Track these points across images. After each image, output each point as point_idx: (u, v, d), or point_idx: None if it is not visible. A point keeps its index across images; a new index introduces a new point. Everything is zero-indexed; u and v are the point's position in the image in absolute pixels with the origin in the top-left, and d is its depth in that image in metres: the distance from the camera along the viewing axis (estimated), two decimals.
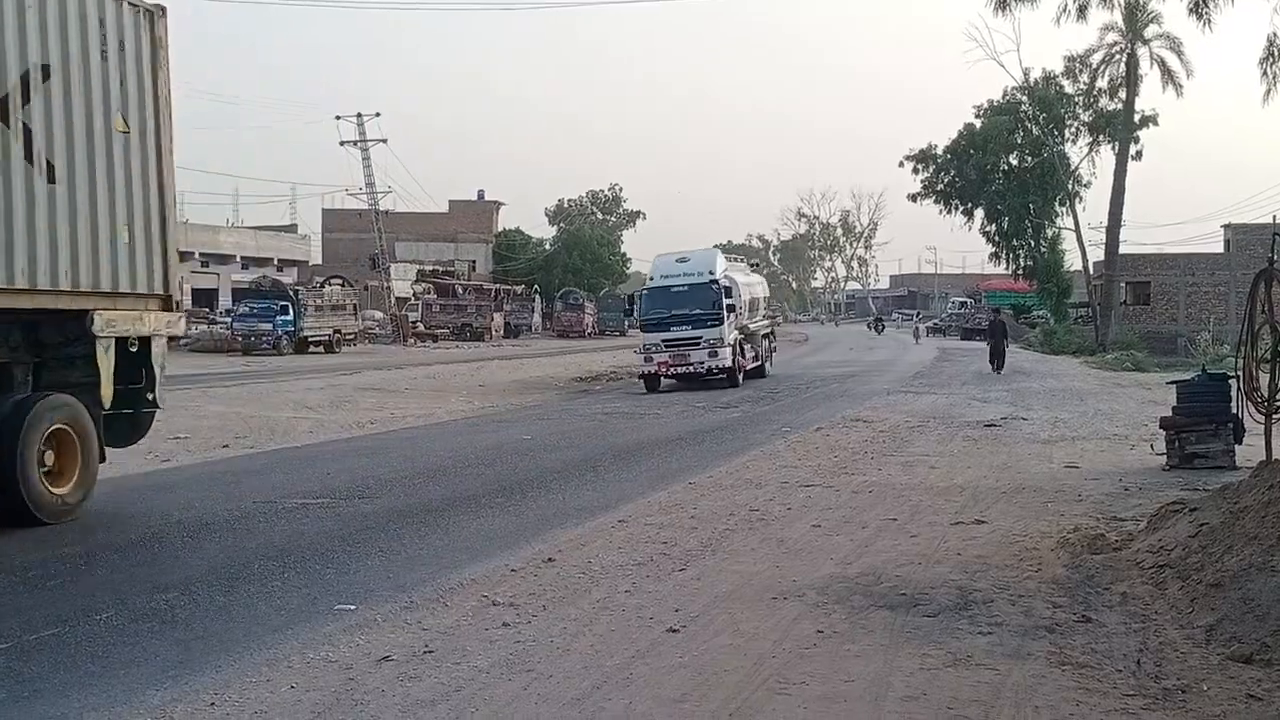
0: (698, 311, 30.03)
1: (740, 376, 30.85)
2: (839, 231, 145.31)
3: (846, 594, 8.41)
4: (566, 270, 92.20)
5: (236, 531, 11.29)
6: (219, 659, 7.10)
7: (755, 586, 8.75)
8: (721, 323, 29.89)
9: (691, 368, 29.89)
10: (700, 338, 29.88)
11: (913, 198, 64.66)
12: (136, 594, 8.76)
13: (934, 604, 8.06)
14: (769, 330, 37.51)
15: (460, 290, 74.50)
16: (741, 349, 31.48)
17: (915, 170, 63.76)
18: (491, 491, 13.66)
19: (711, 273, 30.96)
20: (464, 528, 11.47)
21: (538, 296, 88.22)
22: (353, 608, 8.27)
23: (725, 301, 30.10)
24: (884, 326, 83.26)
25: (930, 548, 10.05)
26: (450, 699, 6.31)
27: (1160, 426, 15.55)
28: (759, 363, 34.39)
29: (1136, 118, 54.83)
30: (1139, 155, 55.51)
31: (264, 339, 48.74)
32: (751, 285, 35.55)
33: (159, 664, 7.04)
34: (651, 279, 32.61)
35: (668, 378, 30.41)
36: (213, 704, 6.29)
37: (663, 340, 30.21)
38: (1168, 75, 53.12)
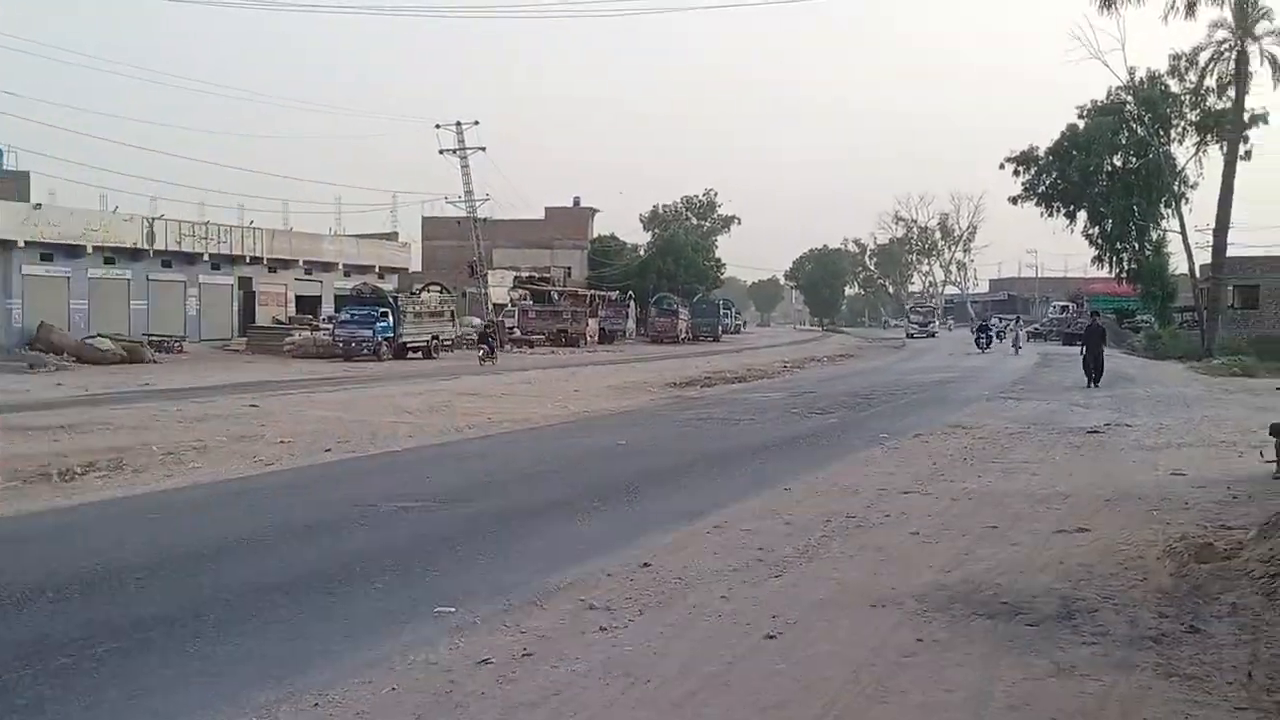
0: None
1: None
2: (937, 235, 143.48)
3: (947, 602, 8.31)
4: (661, 275, 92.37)
5: (338, 534, 11.48)
6: (322, 660, 7.22)
7: (853, 594, 8.68)
8: None
9: None
10: None
11: (1014, 200, 63.66)
12: (242, 594, 8.95)
13: (1037, 613, 7.94)
14: None
15: (556, 296, 74.96)
16: None
17: (1016, 172, 62.80)
18: (587, 496, 13.72)
19: None
20: (560, 532, 11.54)
21: (632, 302, 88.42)
22: (452, 610, 8.36)
23: None
24: (991, 339, 62.92)
25: (1032, 556, 9.88)
26: (549, 702, 6.35)
27: (1270, 433, 15.10)
28: None
29: (1246, 116, 53.35)
30: (1248, 155, 54.03)
31: (364, 345, 49.44)
32: None
33: (264, 664, 7.18)
34: None
35: None
36: (316, 704, 6.39)
37: None
38: (1279, 72, 51.75)
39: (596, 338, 73.62)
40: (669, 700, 6.33)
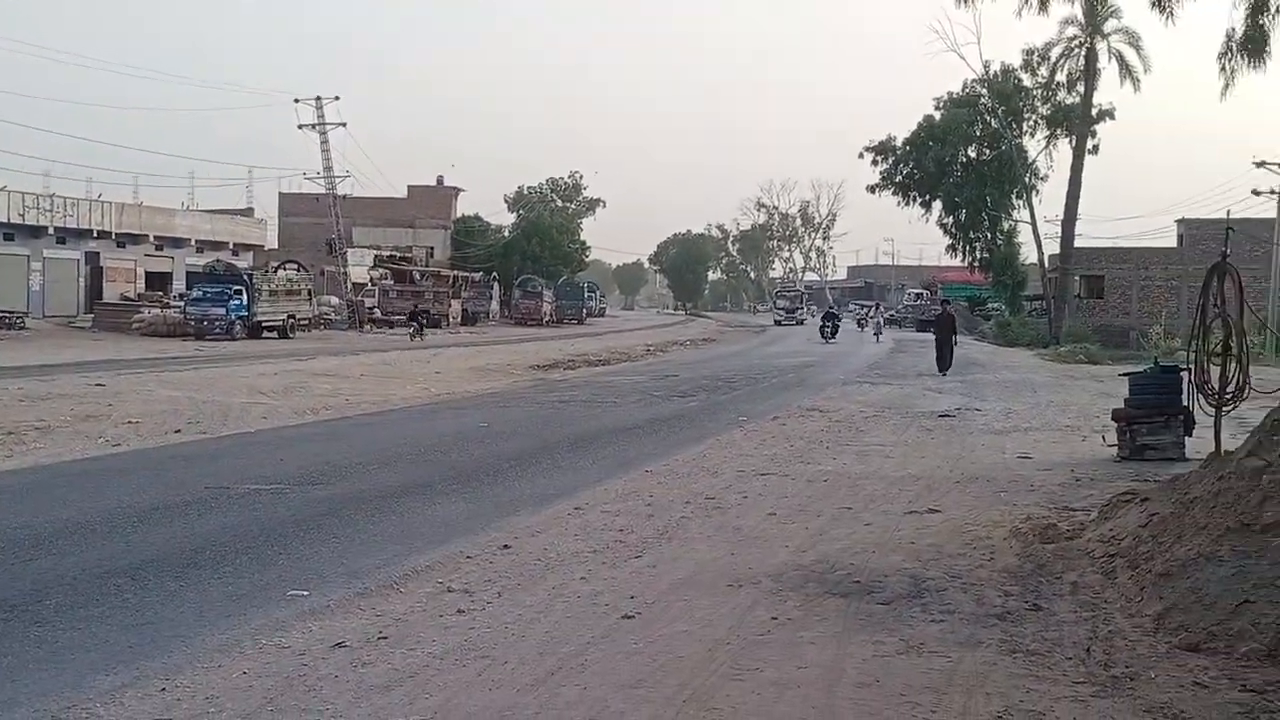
0: None
1: None
2: (798, 222, 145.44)
3: (801, 581, 8.45)
4: (525, 257, 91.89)
5: (188, 517, 11.18)
6: (170, 644, 7.03)
7: (710, 574, 8.78)
8: None
9: None
10: None
11: (872, 189, 64.73)
12: (86, 579, 8.66)
13: (887, 592, 8.12)
14: None
15: (418, 276, 74.05)
16: None
17: (875, 162, 63.87)
18: (447, 478, 13.62)
19: None
20: (419, 515, 11.43)
21: (496, 284, 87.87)
22: (306, 594, 8.23)
23: None
24: (838, 329, 57.49)
25: (884, 536, 10.11)
26: (404, 685, 6.28)
27: (1112, 418, 15.72)
28: None
29: (1094, 112, 55.29)
30: (1095, 149, 56.05)
31: (217, 324, 48.22)
32: None
33: (109, 649, 6.97)
34: None
35: None
36: (164, 689, 6.23)
37: None
38: (1125, 70, 53.78)
39: (459, 319, 72.97)
40: (526, 681, 6.32)
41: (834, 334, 55.51)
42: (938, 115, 62.10)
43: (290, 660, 6.72)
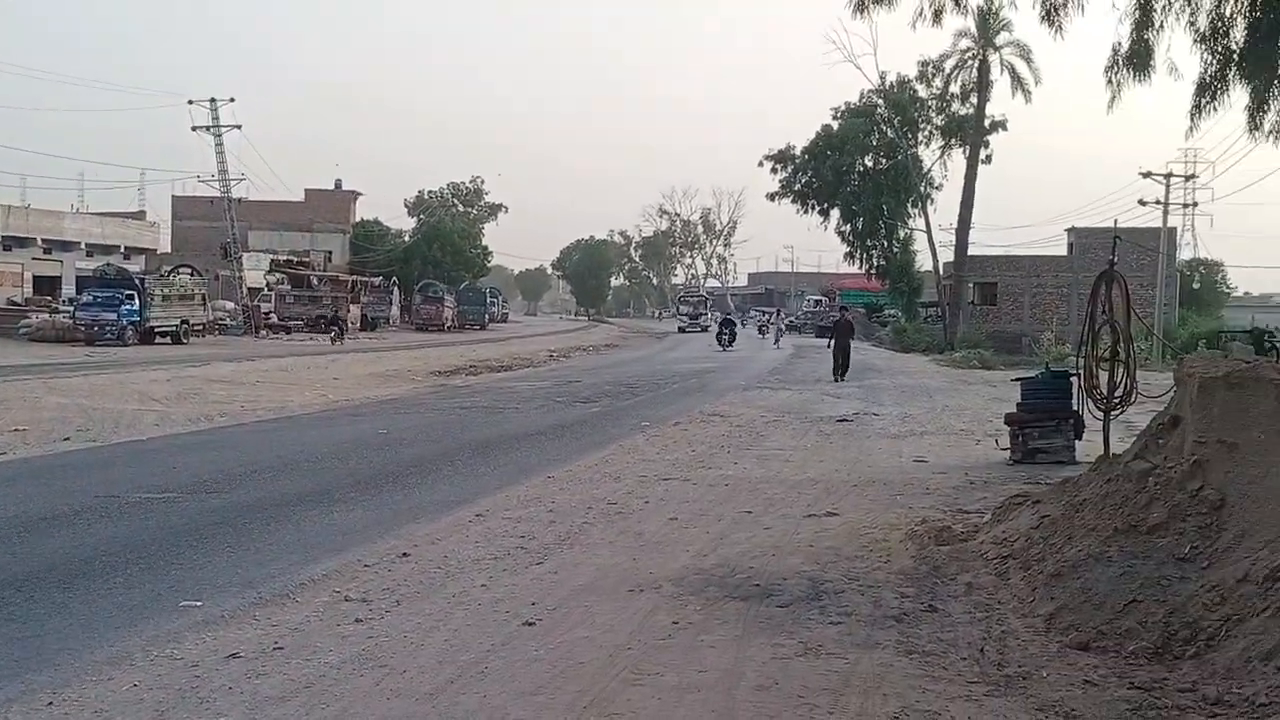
0: None
1: None
2: (700, 229, 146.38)
3: (702, 586, 8.49)
4: (426, 262, 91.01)
5: (76, 527, 10.89)
6: (57, 657, 6.85)
7: (612, 579, 8.78)
8: None
9: None
10: None
11: (771, 197, 65.49)
12: None
13: (786, 594, 8.20)
14: None
15: (315, 281, 72.94)
16: None
17: (774, 170, 64.64)
18: (345, 486, 13.44)
19: None
20: (316, 523, 11.26)
21: (396, 289, 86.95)
22: (199, 604, 8.07)
23: None
24: (736, 336, 55.91)
25: (783, 540, 10.20)
26: (299, 695, 6.19)
27: (1005, 422, 16.06)
28: None
29: (987, 122, 56.55)
30: (989, 159, 57.34)
31: (108, 329, 47.02)
32: None
33: None
34: None
35: None
36: (50, 704, 6.07)
37: None
38: (1017, 81, 55.09)
39: (359, 324, 72.03)
40: (425, 690, 6.26)
41: (731, 341, 53.95)
42: (836, 125, 63.06)
43: (183, 672, 6.58)
